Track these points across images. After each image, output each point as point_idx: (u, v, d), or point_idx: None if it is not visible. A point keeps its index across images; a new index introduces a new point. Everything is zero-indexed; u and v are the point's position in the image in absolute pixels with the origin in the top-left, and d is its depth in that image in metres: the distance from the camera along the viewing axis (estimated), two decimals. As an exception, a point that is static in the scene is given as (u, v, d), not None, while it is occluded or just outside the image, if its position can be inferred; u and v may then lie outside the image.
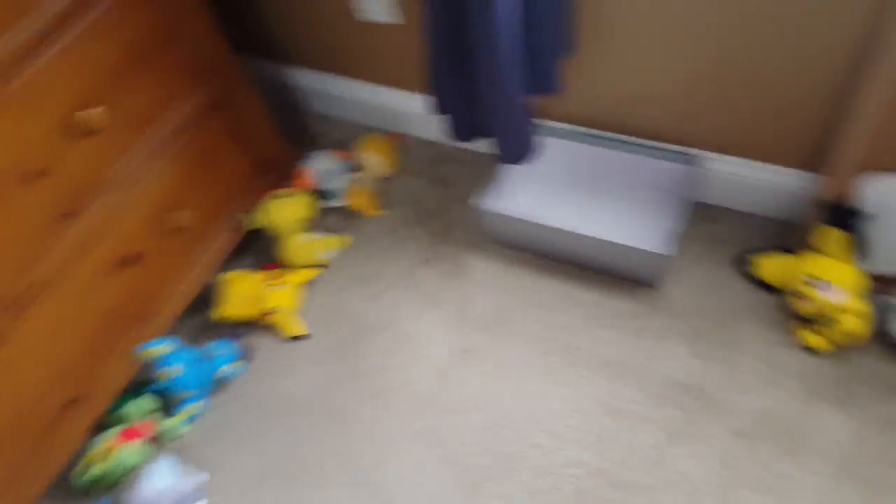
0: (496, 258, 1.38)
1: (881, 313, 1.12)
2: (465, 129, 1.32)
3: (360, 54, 1.55)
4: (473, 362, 1.24)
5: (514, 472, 1.10)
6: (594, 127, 1.38)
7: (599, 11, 1.16)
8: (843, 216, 1.10)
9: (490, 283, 1.35)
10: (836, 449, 1.04)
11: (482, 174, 1.51)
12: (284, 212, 1.40)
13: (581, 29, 1.21)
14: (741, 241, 1.29)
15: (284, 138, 1.49)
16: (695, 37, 1.11)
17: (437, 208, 1.49)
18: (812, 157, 1.19)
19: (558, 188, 1.41)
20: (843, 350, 1.14)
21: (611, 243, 1.21)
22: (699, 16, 1.08)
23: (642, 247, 1.19)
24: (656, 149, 1.32)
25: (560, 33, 1.15)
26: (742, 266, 1.26)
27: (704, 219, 1.35)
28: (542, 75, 1.17)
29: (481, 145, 1.52)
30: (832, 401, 1.09)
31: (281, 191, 1.43)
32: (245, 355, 1.33)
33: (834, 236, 1.11)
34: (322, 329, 1.35)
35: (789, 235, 1.26)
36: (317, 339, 1.34)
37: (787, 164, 1.23)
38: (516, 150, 1.25)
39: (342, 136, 1.66)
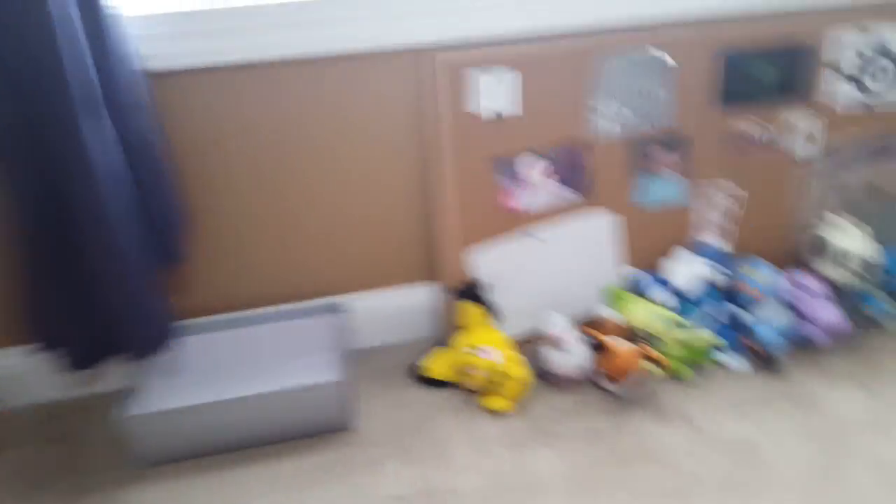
0: (162, 479, 1.15)
1: (534, 361, 1.30)
2: (85, 353, 1.16)
3: None
4: None
5: None
6: (235, 309, 1.37)
7: (204, 191, 1.26)
8: (470, 291, 1.29)
9: None
10: (557, 477, 1.10)
11: (108, 412, 1.30)
12: None
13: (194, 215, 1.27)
14: (405, 362, 1.38)
15: None
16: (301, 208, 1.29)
17: (60, 467, 1.20)
18: (430, 271, 1.41)
19: (212, 380, 1.29)
20: (520, 402, 1.25)
21: (285, 392, 1.15)
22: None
23: (315, 381, 1.16)
24: (302, 309, 1.37)
25: (173, 208, 1.17)
26: (415, 377, 1.33)
27: (367, 358, 1.41)
28: (166, 249, 1.15)
29: (101, 384, 1.36)
30: (535, 444, 1.17)
31: None
32: None
33: (471, 311, 1.29)
34: None
35: (441, 335, 1.40)
36: None
37: (415, 281, 1.42)
38: (156, 338, 1.15)
39: None
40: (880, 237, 1.42)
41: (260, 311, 1.37)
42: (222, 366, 1.30)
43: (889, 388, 1.22)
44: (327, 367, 1.27)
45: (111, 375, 1.37)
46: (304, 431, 1.20)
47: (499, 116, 1.19)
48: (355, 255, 1.38)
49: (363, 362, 1.41)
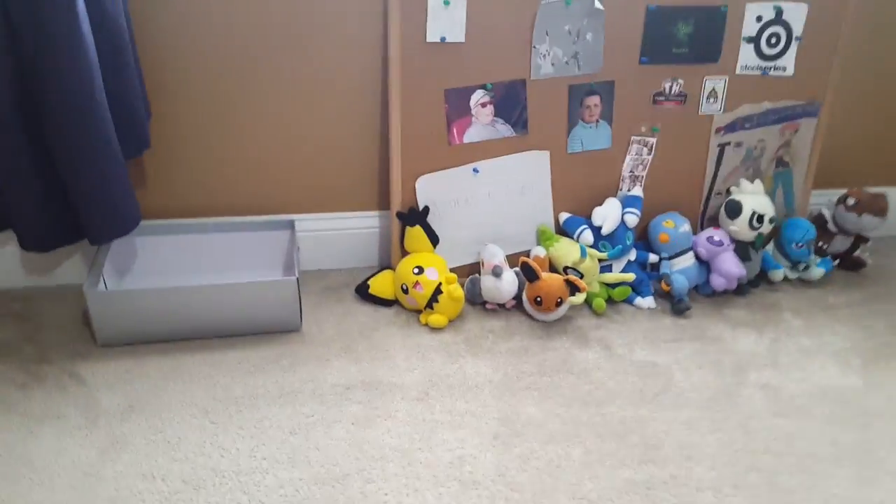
0: (115, 358, 1.20)
1: (471, 287, 1.41)
2: (48, 234, 1.17)
3: None
4: (130, 449, 1.01)
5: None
6: (192, 216, 1.42)
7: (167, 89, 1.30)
8: (413, 216, 1.39)
9: (115, 380, 1.15)
10: (487, 381, 1.21)
11: (69, 298, 1.34)
12: None
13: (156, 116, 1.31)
14: (354, 283, 1.45)
15: None
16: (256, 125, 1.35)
17: (20, 340, 1.23)
18: (384, 199, 1.49)
19: (169, 272, 1.37)
20: (456, 321, 1.37)
21: (238, 285, 1.21)
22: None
23: (267, 278, 1.24)
24: (256, 223, 1.43)
25: (140, 96, 1.21)
26: (362, 294, 1.41)
27: (317, 278, 1.49)
28: (132, 136, 1.18)
29: (64, 275, 1.38)
30: (467, 354, 1.28)
31: None
32: None
33: (416, 235, 1.39)
34: None
35: (388, 260, 1.50)
36: None
37: (368, 208, 1.50)
38: (120, 223, 1.17)
39: None
40: (778, 200, 1.63)
41: (215, 220, 1.43)
42: (179, 263, 1.36)
43: (778, 332, 1.40)
44: (286, 270, 1.33)
45: (74, 268, 1.39)
46: (255, 327, 1.27)
47: (443, 40, 1.29)
48: (311, 177, 1.45)
49: (314, 281, 1.48)
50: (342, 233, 1.50)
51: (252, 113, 1.36)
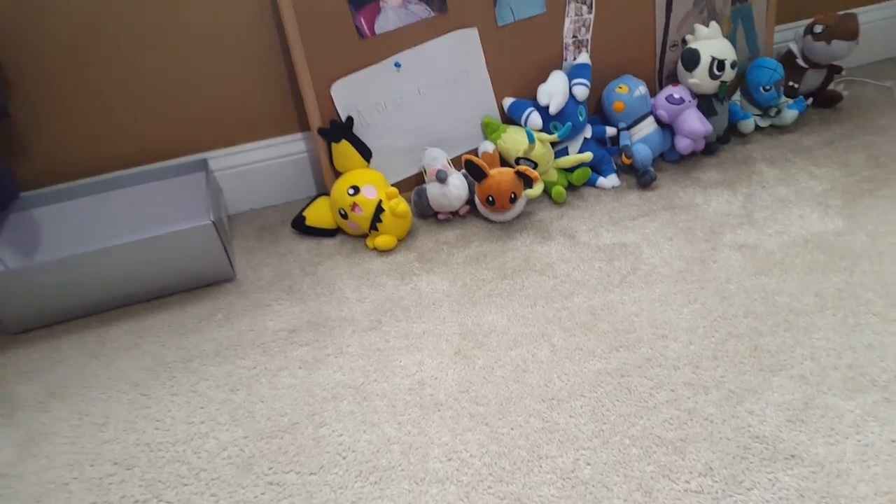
0: (30, 344, 1.09)
1: (417, 199, 1.28)
2: None
3: None
4: (53, 440, 0.90)
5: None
6: (92, 174, 1.27)
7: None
8: (336, 131, 1.24)
9: (31, 368, 1.04)
10: (444, 296, 1.11)
11: None
12: None
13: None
14: (287, 218, 1.34)
15: None
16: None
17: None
18: (301, 119, 1.34)
19: (76, 239, 1.20)
20: (405, 238, 1.25)
21: (155, 238, 1.08)
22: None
23: (188, 225, 1.09)
24: (166, 169, 1.28)
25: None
26: (299, 228, 1.28)
27: (247, 219, 1.36)
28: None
29: None
30: (421, 271, 1.17)
31: None
32: None
33: (342, 150, 1.24)
34: None
35: (321, 185, 1.38)
36: None
37: (288, 132, 1.35)
38: None
39: None
40: (739, 42, 1.47)
41: (117, 174, 1.27)
42: (86, 227, 1.21)
43: (753, 187, 1.29)
44: (199, 214, 1.20)
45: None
46: (183, 284, 1.15)
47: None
48: (215, 106, 1.28)
49: (246, 223, 1.35)
50: (267, 164, 1.35)
51: (131, 45, 1.17)
